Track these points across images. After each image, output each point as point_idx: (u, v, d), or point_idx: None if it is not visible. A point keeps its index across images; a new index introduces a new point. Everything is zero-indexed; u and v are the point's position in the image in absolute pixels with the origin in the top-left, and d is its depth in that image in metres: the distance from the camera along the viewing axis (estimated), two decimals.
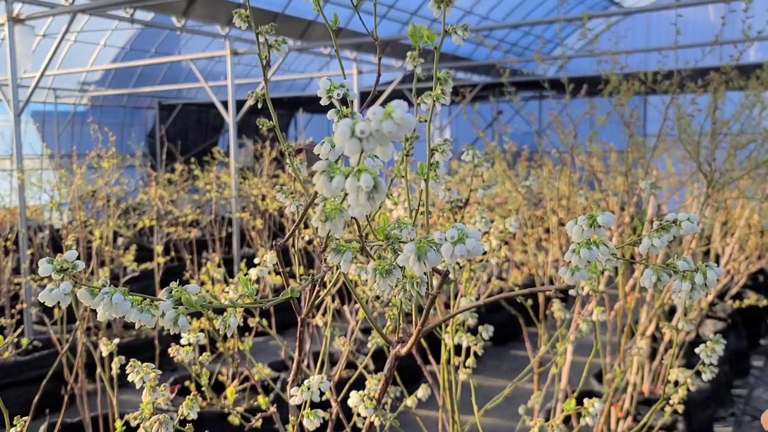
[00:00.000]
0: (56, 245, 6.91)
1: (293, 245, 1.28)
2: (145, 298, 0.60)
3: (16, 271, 5.48)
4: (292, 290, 0.74)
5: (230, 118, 7.60)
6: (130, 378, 1.16)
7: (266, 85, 1.05)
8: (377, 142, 0.54)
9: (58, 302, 0.63)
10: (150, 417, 1.24)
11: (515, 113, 13.22)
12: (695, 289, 0.81)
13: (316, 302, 1.15)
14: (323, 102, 0.84)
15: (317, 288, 1.13)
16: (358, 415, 1.75)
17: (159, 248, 4.37)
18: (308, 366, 3.25)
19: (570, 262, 0.83)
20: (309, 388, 1.13)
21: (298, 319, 1.10)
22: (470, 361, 2.10)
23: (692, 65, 3.28)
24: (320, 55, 10.31)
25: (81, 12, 5.85)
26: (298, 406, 1.22)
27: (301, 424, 1.17)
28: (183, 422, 1.25)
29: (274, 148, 7.29)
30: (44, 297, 0.56)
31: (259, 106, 1.06)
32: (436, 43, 0.88)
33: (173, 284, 0.60)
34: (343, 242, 0.80)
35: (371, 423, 1.18)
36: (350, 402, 1.25)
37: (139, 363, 1.21)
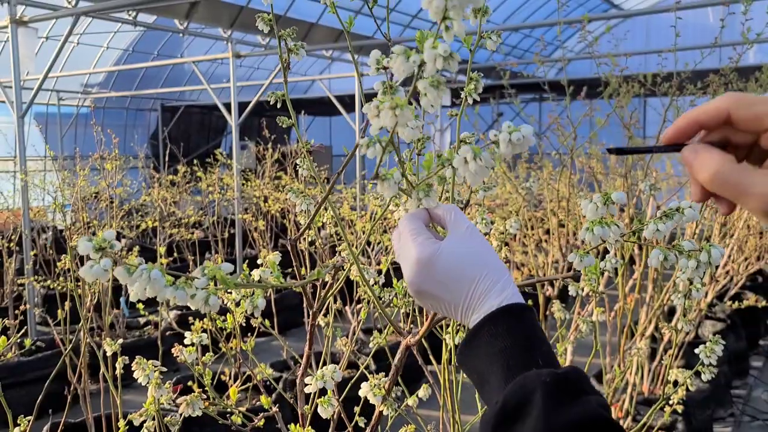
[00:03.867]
0: (59, 246, 6.94)
1: (295, 246, 1.30)
2: (177, 276, 0.62)
3: (20, 272, 5.51)
4: (318, 272, 0.77)
5: (233, 120, 7.63)
6: (135, 375, 1.18)
7: (286, 87, 1.08)
8: (462, 2, 0.60)
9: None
10: (154, 415, 1.26)
11: (515, 115, 13.25)
12: (700, 267, 0.85)
13: (329, 295, 1.18)
14: (371, 73, 0.88)
15: (329, 282, 1.16)
16: (360, 415, 1.77)
17: (162, 249, 4.40)
18: (309, 366, 3.26)
19: (599, 253, 0.86)
20: (323, 377, 1.15)
21: (310, 313, 1.13)
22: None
23: (692, 67, 3.30)
24: (322, 57, 10.34)
25: (84, 14, 5.88)
26: (306, 397, 1.25)
27: (304, 416, 1.19)
28: (188, 418, 1.28)
29: (276, 150, 7.31)
30: (84, 273, 0.58)
31: (278, 106, 1.10)
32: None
33: (207, 263, 0.62)
34: (347, 241, 0.83)
35: (380, 413, 1.21)
36: (360, 392, 1.29)
37: (145, 360, 1.23)
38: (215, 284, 0.62)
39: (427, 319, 1.08)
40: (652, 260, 0.88)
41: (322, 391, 1.29)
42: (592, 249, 0.92)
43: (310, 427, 1.46)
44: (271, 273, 0.74)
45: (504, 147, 0.72)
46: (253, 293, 0.74)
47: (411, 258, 0.75)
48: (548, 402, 0.62)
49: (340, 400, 1.65)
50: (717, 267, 3.98)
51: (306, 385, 1.16)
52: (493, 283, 0.73)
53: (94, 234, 4.69)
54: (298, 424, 1.51)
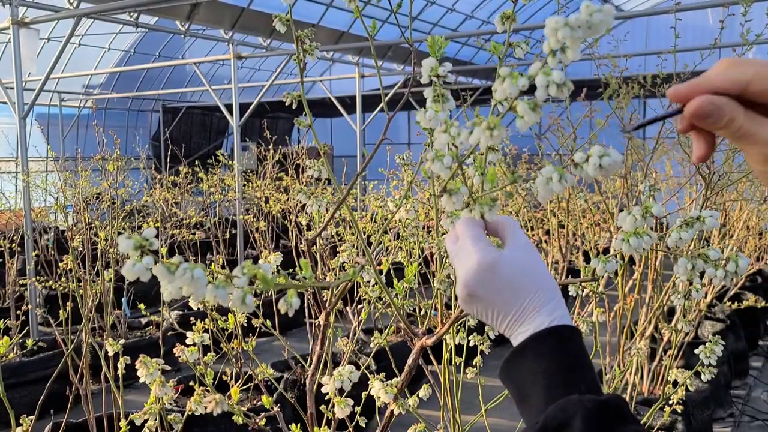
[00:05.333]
0: (61, 247, 6.95)
1: (310, 246, 1.31)
2: (215, 276, 0.62)
3: (22, 272, 5.52)
4: (352, 272, 0.78)
5: (234, 121, 7.64)
6: (139, 373, 1.20)
7: (302, 88, 1.09)
8: (585, 34, 0.63)
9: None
10: (156, 414, 1.27)
11: (515, 116, 13.26)
12: (728, 276, 0.88)
13: (340, 295, 1.19)
14: (424, 80, 0.89)
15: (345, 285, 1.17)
16: (360, 415, 1.78)
17: (163, 250, 4.39)
18: (309, 365, 3.27)
19: (599, 254, 0.88)
20: (340, 377, 1.17)
21: (314, 313, 1.15)
22: (477, 359, 2.13)
23: (691, 68, 3.30)
24: (323, 59, 10.35)
25: (85, 16, 5.90)
26: (318, 396, 1.26)
27: (313, 416, 1.20)
28: (190, 418, 1.29)
29: (277, 151, 7.33)
30: (126, 271, 0.59)
31: (294, 106, 1.11)
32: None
33: (246, 262, 0.63)
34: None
35: (392, 412, 1.22)
36: (372, 391, 1.30)
37: (149, 358, 1.24)
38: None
39: (441, 322, 1.09)
40: (679, 269, 0.89)
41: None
42: (593, 250, 0.94)
43: (321, 427, 1.47)
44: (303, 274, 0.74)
45: (593, 170, 0.72)
46: (274, 293, 0.74)
47: (471, 261, 0.75)
48: (588, 427, 0.63)
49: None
50: None
51: (321, 385, 1.17)
52: (546, 301, 0.73)
53: (96, 235, 4.70)
54: (299, 424, 1.52)
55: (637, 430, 0.66)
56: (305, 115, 1.15)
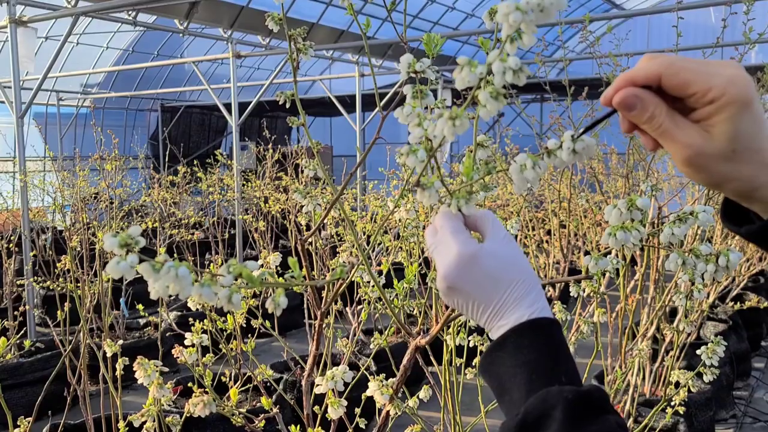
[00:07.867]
0: (59, 247, 6.93)
1: (304, 245, 1.30)
2: (201, 273, 0.61)
3: (19, 272, 5.50)
4: (340, 272, 0.76)
5: (233, 120, 7.62)
6: (137, 375, 1.18)
7: (296, 87, 1.07)
8: (537, 17, 0.62)
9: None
10: (154, 416, 1.25)
11: (516, 116, 13.24)
12: (718, 271, 0.85)
13: (336, 295, 1.18)
14: (402, 76, 0.87)
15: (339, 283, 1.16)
16: (360, 416, 1.76)
17: (162, 250, 4.38)
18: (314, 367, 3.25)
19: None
20: (333, 378, 1.15)
21: (314, 314, 1.13)
22: (477, 360, 2.12)
23: None
24: (323, 57, 10.34)
25: (83, 14, 5.87)
26: (319, 397, 1.24)
27: (310, 417, 1.19)
28: (188, 419, 1.27)
29: (276, 151, 7.32)
30: (111, 269, 0.57)
31: (287, 106, 1.10)
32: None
33: (232, 260, 0.61)
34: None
35: (387, 413, 1.21)
36: (368, 392, 1.28)
37: (146, 360, 1.22)
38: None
39: (435, 321, 1.08)
40: (670, 264, 0.87)
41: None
42: (594, 250, 0.92)
43: (319, 427, 1.45)
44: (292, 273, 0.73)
45: (567, 156, 0.71)
46: (272, 292, 0.73)
47: (451, 253, 0.75)
48: (568, 418, 0.63)
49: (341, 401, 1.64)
50: None
51: (316, 385, 1.15)
52: (526, 293, 0.73)
53: (94, 235, 4.68)
54: (298, 426, 1.50)
55: (617, 421, 0.65)
56: (307, 114, 1.13)
